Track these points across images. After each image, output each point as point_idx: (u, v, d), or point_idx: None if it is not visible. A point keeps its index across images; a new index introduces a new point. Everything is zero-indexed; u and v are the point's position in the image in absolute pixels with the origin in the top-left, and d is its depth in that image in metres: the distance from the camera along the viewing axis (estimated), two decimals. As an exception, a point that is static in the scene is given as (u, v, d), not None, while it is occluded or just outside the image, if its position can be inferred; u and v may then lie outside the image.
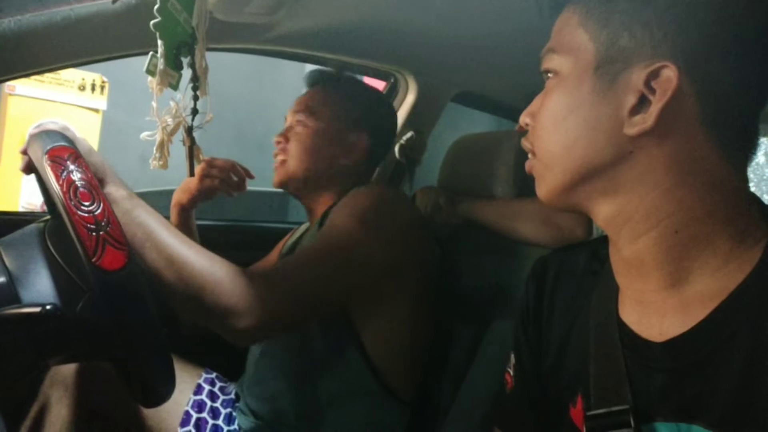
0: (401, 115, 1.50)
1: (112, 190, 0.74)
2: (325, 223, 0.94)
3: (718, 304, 0.48)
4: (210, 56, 0.93)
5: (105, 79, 2.43)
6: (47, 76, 2.25)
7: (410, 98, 1.48)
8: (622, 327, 0.55)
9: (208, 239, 1.24)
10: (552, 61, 0.55)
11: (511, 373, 0.69)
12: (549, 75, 0.56)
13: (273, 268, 0.83)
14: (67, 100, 2.34)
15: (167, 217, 1.13)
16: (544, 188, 0.57)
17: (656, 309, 0.52)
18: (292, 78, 3.83)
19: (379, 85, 1.57)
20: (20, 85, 2.19)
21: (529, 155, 0.59)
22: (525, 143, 0.59)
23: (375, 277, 0.92)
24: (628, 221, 0.52)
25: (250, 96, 3.74)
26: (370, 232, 0.90)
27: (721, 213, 0.49)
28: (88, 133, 2.44)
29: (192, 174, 0.94)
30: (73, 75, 2.33)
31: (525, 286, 0.70)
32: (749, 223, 0.49)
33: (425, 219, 1.04)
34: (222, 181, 1.08)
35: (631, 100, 0.49)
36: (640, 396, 0.51)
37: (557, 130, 0.54)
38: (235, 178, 1.11)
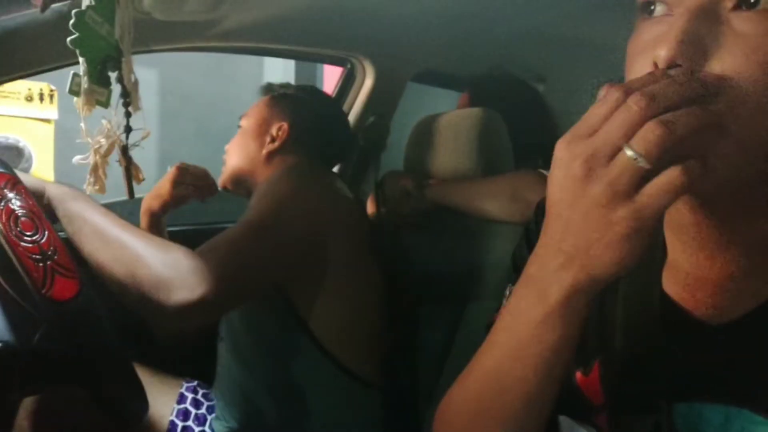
0: (361, 100, 1.47)
1: (51, 188, 0.81)
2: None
3: None
4: (165, 54, 0.90)
5: (53, 88, 2.32)
6: (-11, 90, 2.15)
7: (368, 82, 1.45)
8: (664, 300, 0.48)
9: (183, 245, 1.21)
10: None
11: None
12: None
13: (203, 246, 0.85)
14: (16, 113, 2.23)
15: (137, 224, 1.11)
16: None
17: (708, 283, 0.45)
18: (251, 69, 3.75)
19: (337, 71, 1.54)
20: (-37, 102, 2.09)
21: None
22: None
23: (301, 250, 0.93)
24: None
25: (209, 90, 3.65)
26: (284, 202, 0.94)
27: None
28: (42, 144, 2.34)
29: (132, 196, 0.91)
30: (18, 86, 2.22)
31: (525, 230, 0.61)
32: None
33: (342, 191, 1.07)
34: (195, 188, 1.11)
35: None
36: (680, 376, 0.45)
37: None
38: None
